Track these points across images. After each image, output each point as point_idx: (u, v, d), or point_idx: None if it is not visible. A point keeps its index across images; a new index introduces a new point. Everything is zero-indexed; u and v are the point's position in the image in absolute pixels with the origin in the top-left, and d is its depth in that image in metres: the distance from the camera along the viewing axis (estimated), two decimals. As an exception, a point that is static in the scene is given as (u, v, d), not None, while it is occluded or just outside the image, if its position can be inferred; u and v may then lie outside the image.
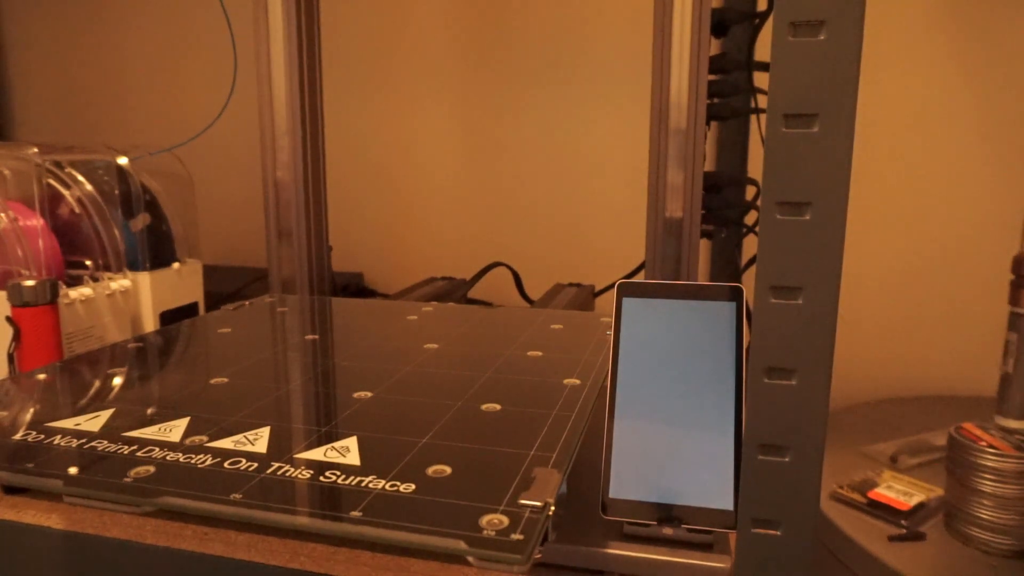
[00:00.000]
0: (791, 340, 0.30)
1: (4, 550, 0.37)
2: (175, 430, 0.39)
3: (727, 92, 0.85)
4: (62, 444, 0.37)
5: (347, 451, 0.36)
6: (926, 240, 1.05)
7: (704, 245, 1.04)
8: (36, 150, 0.70)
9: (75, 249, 0.71)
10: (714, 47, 0.97)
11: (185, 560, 0.34)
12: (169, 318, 0.75)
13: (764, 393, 0.31)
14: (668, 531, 0.35)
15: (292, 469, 0.35)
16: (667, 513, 0.35)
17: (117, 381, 0.48)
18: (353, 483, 0.33)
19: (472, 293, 0.98)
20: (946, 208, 1.04)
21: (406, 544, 0.29)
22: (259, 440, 0.38)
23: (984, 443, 0.63)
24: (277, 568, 0.33)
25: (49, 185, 0.70)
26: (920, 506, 0.70)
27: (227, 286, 0.98)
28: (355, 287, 1.13)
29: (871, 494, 0.72)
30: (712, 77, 0.83)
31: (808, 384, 0.30)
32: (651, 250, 0.69)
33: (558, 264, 1.15)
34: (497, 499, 0.32)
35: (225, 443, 0.37)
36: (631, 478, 0.36)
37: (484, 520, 0.30)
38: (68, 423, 0.40)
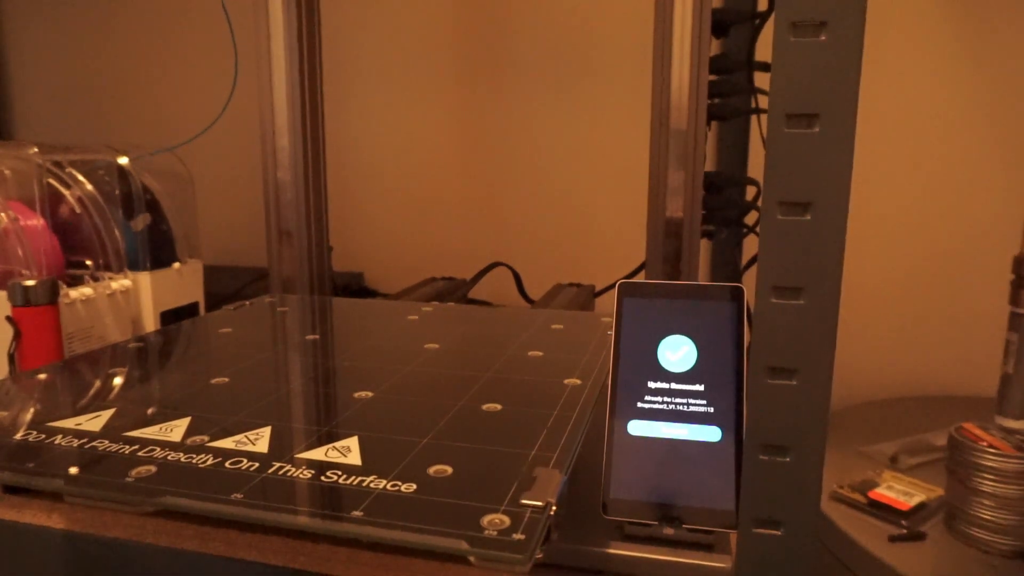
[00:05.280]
0: (792, 340, 0.30)
1: (4, 550, 0.37)
2: (176, 430, 0.39)
3: (727, 92, 0.85)
4: (63, 444, 0.37)
5: (348, 451, 0.36)
6: (926, 240, 1.05)
7: (704, 245, 1.04)
8: (36, 150, 0.70)
9: (76, 249, 0.71)
10: (714, 47, 0.97)
11: (186, 560, 0.34)
12: (169, 318, 0.75)
13: (765, 393, 0.31)
14: (669, 531, 0.35)
15: (293, 469, 0.35)
16: (668, 513, 0.35)
17: (118, 381, 0.48)
18: (354, 483, 0.33)
19: (472, 293, 0.98)
20: (946, 208, 1.04)
21: (407, 544, 0.29)
22: (260, 440, 0.38)
23: (984, 443, 0.63)
24: (278, 568, 0.33)
25: (50, 185, 0.70)
26: (920, 506, 0.70)
27: (227, 286, 0.98)
28: (355, 287, 1.13)
29: (871, 494, 0.72)
30: (712, 77, 0.83)
31: (809, 384, 0.30)
32: (651, 250, 0.69)
33: (558, 264, 1.15)
34: (498, 499, 0.32)
35: (226, 443, 0.37)
36: (632, 478, 0.36)
37: (485, 520, 0.30)
38: (69, 423, 0.40)
